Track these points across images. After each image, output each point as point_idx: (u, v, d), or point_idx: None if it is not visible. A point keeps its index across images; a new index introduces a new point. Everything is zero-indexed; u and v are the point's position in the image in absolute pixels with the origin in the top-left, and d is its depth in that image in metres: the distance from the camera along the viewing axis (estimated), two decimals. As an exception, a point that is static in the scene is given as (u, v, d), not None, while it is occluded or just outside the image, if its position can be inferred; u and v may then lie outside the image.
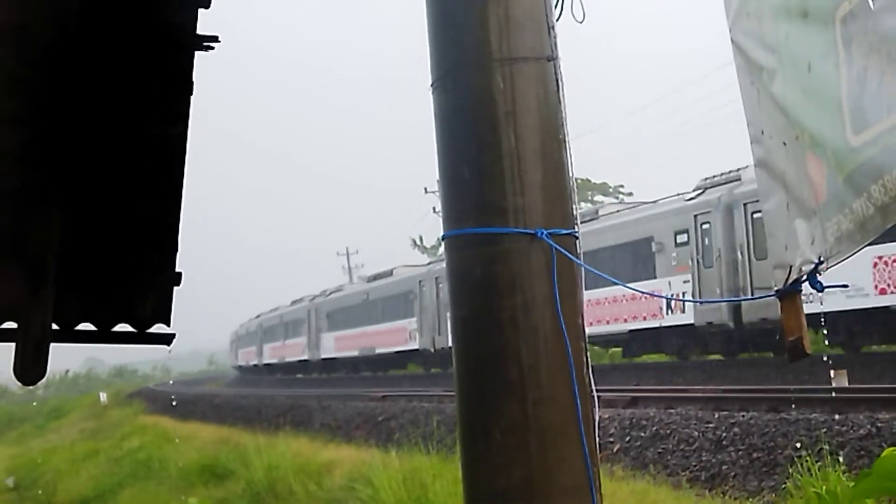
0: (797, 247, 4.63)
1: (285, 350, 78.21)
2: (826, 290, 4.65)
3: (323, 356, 68.05)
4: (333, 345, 65.73)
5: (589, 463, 4.36)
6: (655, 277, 33.22)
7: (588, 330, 4.59)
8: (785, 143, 4.57)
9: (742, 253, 29.31)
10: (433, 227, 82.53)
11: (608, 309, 35.50)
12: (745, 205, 28.91)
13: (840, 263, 4.42)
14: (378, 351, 58.22)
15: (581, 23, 4.73)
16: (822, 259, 4.42)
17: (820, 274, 4.54)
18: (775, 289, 4.89)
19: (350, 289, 69.39)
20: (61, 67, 4.31)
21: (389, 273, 59.94)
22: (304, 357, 71.86)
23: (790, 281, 4.74)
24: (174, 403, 43.09)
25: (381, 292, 58.54)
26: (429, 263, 58.84)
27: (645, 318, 34.76)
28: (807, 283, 4.66)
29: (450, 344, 4.65)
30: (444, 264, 4.74)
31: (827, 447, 11.65)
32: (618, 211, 38.41)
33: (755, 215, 27.04)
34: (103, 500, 24.80)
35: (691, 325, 32.19)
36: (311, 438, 22.86)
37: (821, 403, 16.14)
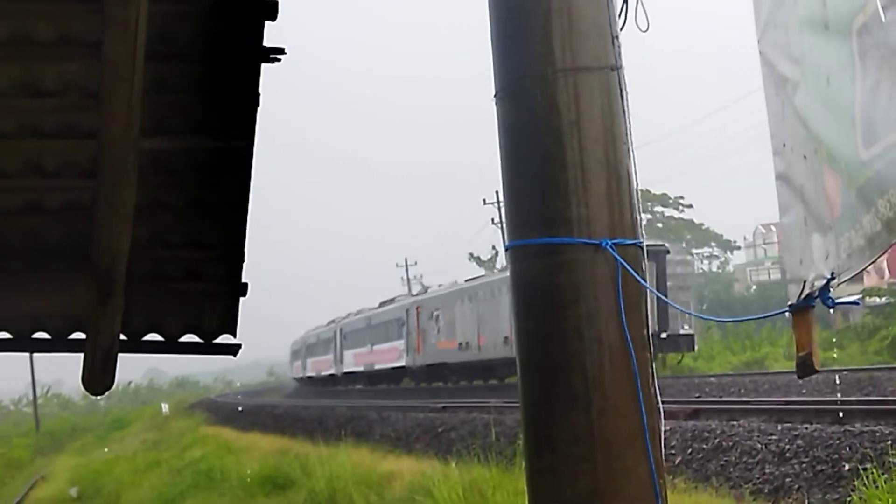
0: (812, 262, 4.54)
1: (374, 356, 65.13)
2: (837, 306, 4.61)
3: (429, 362, 55.11)
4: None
5: (654, 474, 4.34)
6: None
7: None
8: (805, 157, 4.49)
9: None
10: (491, 239, 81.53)
11: None
12: None
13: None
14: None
15: (645, 32, 4.72)
16: (833, 275, 4.33)
17: (831, 290, 4.46)
18: (788, 304, 4.85)
19: (474, 282, 53.53)
20: (129, 82, 4.36)
21: None
22: (401, 363, 59.31)
23: (803, 296, 4.68)
24: (241, 411, 43.27)
25: None
26: None
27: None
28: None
29: None
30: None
31: (893, 459, 11.49)
32: None
33: None
34: (166, 511, 25.01)
35: None
36: (371, 449, 22.88)
37: (885, 415, 15.91)
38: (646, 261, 4.60)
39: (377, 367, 65.30)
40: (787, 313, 4.92)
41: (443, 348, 53.37)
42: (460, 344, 50.68)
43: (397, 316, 61.82)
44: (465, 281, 54.81)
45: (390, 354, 61.79)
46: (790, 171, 4.80)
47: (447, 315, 53.56)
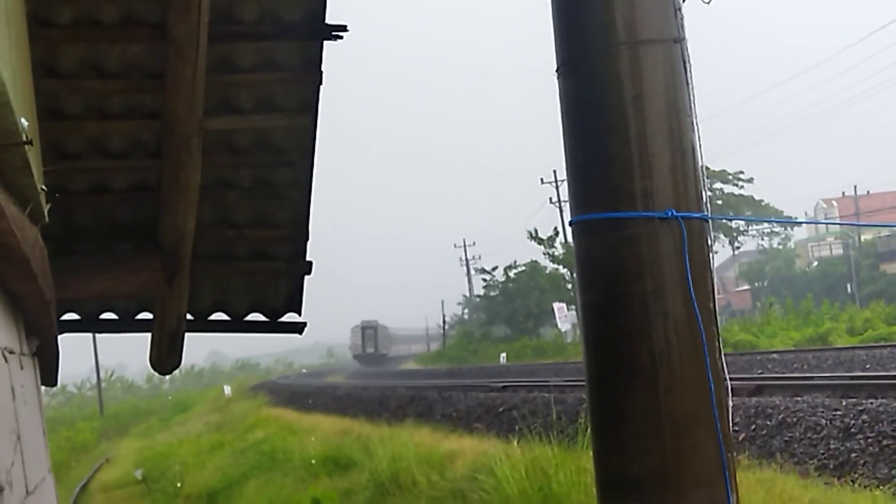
0: None
1: (356, 350, 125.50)
2: None
3: (356, 354, 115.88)
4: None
5: (723, 450, 4.30)
6: None
7: None
8: None
9: None
10: (550, 218, 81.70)
11: None
12: None
13: None
14: None
15: (708, 3, 4.67)
16: None
17: None
18: None
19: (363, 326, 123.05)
20: (193, 62, 4.38)
21: None
22: (358, 353, 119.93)
23: None
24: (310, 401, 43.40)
25: None
26: None
27: None
28: None
29: None
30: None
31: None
32: None
33: None
34: (230, 492, 25.15)
35: None
36: (432, 429, 22.87)
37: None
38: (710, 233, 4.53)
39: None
40: None
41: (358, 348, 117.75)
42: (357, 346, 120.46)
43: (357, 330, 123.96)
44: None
45: (355, 348, 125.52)
46: None
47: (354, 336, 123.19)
